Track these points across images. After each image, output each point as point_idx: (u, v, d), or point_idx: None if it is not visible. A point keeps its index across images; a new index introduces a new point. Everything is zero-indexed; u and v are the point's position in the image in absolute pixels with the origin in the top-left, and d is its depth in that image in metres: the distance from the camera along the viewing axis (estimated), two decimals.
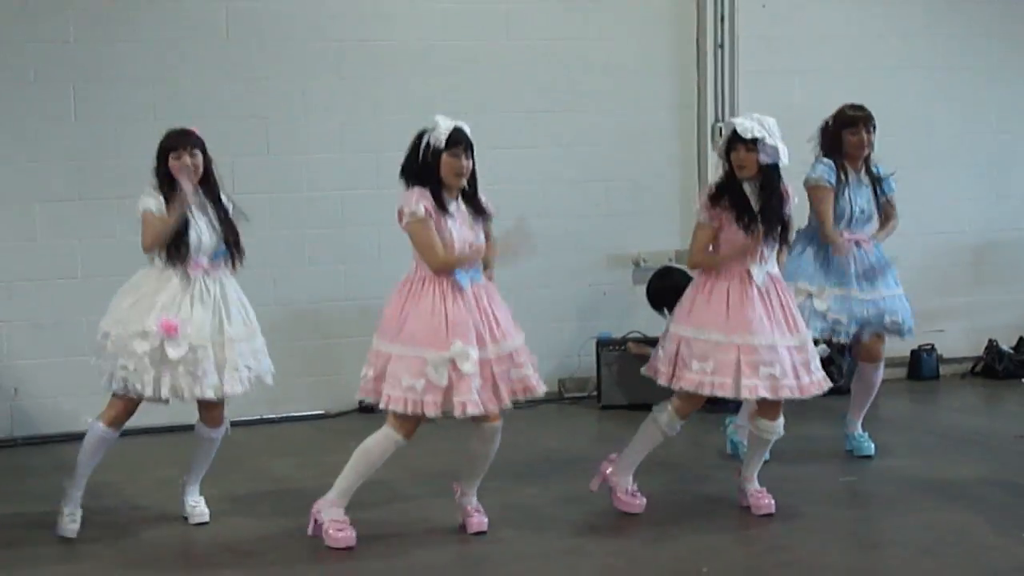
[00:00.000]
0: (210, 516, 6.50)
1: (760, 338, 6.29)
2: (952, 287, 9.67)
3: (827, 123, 7.38)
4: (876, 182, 7.38)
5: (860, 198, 7.31)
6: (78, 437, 8.00)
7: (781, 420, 6.52)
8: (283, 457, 7.90)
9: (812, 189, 7.28)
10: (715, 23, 9.44)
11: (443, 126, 6.02)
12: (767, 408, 6.46)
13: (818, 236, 7.33)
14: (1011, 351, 9.90)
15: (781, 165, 6.34)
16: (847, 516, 6.62)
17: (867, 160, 7.37)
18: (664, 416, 6.51)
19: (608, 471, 6.66)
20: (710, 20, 9.44)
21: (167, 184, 6.23)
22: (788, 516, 6.54)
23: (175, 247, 6.18)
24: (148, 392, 6.12)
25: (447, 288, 6.01)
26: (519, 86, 9.15)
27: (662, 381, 6.48)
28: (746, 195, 6.35)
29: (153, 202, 6.20)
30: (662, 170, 9.28)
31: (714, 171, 7.41)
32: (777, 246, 6.42)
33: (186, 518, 6.49)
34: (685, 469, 7.34)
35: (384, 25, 8.89)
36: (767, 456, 6.73)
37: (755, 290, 6.36)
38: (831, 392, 6.58)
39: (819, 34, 9.69)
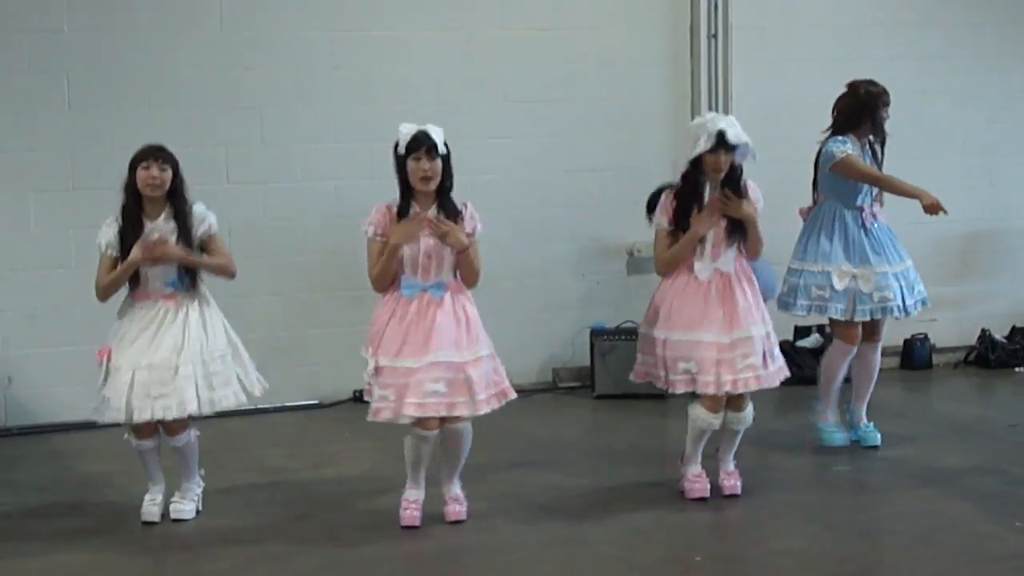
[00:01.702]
0: (205, 506, 6.51)
1: (679, 333, 6.43)
2: (945, 276, 9.68)
3: (847, 101, 7.36)
4: (877, 156, 7.40)
5: None
6: (72, 427, 8.09)
7: (750, 408, 6.57)
8: (277, 447, 7.89)
9: (843, 163, 7.22)
10: (709, 13, 9.43)
11: (403, 132, 6.10)
12: (734, 399, 6.50)
13: (837, 216, 7.33)
14: (1004, 340, 9.91)
15: (749, 163, 6.49)
16: (841, 505, 6.63)
17: (883, 135, 7.42)
18: (694, 413, 6.54)
19: (680, 466, 6.74)
20: (704, 10, 9.43)
21: (132, 200, 6.20)
22: (781, 505, 6.55)
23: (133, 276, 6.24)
24: (120, 418, 6.18)
25: (395, 297, 6.17)
26: (513, 76, 9.14)
27: (661, 385, 6.58)
28: (700, 192, 6.46)
29: (108, 236, 6.21)
30: (656, 160, 9.27)
31: None
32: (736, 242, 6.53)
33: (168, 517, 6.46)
34: (675, 458, 7.34)
35: (378, 15, 8.88)
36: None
37: (694, 284, 6.46)
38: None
39: (812, 23, 9.70)
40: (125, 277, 6.21)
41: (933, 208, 7.25)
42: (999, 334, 9.95)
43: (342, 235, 8.72)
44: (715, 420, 6.49)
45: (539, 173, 9.22)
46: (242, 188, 8.54)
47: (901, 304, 7.38)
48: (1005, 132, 10.19)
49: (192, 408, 6.19)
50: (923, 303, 7.56)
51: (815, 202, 7.50)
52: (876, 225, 7.40)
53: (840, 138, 7.30)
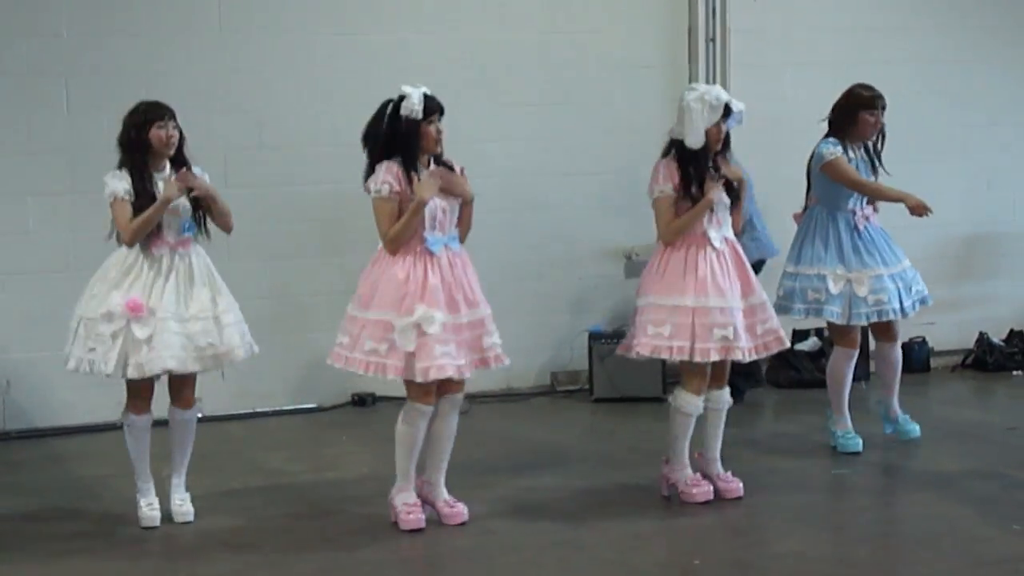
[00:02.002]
0: (203, 509, 6.49)
1: (714, 300, 6.40)
2: (943, 280, 9.68)
3: (839, 102, 7.38)
4: (874, 158, 7.40)
5: (864, 174, 7.33)
6: (71, 431, 8.09)
7: (727, 389, 6.60)
8: (276, 450, 7.89)
9: (831, 165, 7.24)
10: (707, 16, 9.44)
11: (415, 95, 6.07)
12: (716, 376, 6.53)
13: (829, 219, 7.34)
14: (1002, 344, 9.92)
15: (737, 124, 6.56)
16: (839, 508, 6.64)
17: (878, 140, 7.39)
18: (679, 400, 6.54)
19: (668, 474, 6.69)
20: (702, 13, 9.44)
21: (141, 156, 6.20)
22: (780, 508, 6.56)
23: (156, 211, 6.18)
24: (110, 371, 6.13)
25: (419, 254, 6.10)
26: (511, 79, 9.15)
27: (624, 352, 6.60)
28: (706, 163, 6.47)
29: (121, 185, 6.18)
30: (654, 163, 9.27)
31: None
32: (730, 208, 6.55)
33: (170, 516, 6.44)
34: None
35: (377, 18, 8.88)
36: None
37: (712, 253, 6.46)
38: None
39: (810, 27, 9.70)
40: (158, 215, 6.15)
41: (919, 209, 7.26)
42: (997, 337, 9.96)
43: (341, 238, 8.73)
44: (700, 403, 6.50)
45: (537, 176, 9.22)
46: (240, 191, 8.51)
47: (898, 307, 7.37)
48: (1003, 136, 10.19)
49: (241, 355, 6.33)
50: (923, 302, 7.56)
51: (807, 206, 7.50)
52: (869, 227, 7.39)
53: (832, 140, 7.31)
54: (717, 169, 6.49)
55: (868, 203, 7.44)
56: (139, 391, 6.29)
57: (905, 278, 7.44)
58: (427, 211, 6.08)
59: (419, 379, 6.02)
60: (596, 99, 9.33)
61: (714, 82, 9.42)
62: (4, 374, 8.30)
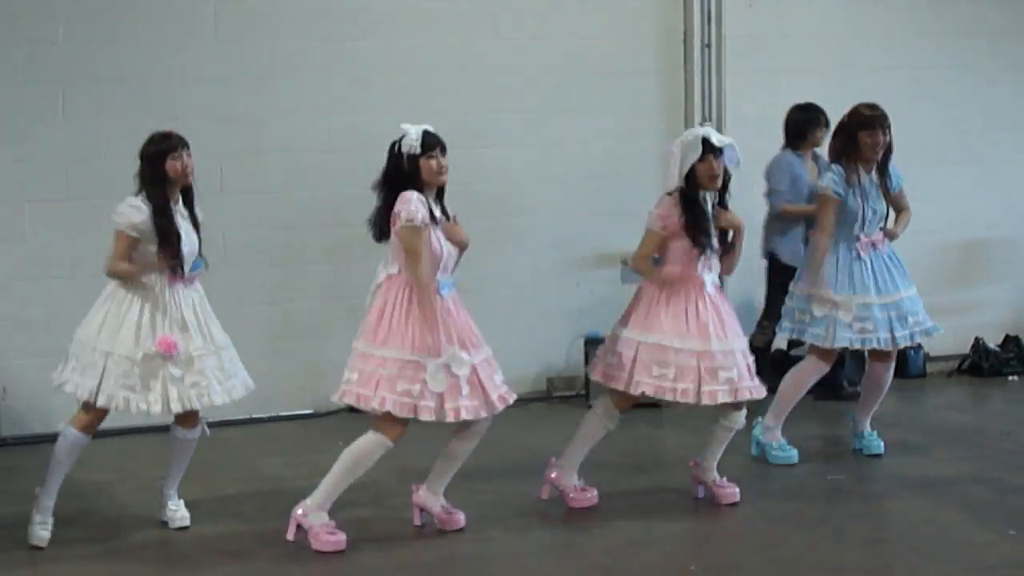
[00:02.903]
0: (199, 515, 6.50)
1: (716, 344, 6.46)
2: (939, 285, 9.69)
3: (841, 124, 7.27)
4: (885, 179, 7.28)
5: (872, 199, 7.22)
6: None
7: (744, 411, 6.65)
8: (271, 456, 7.90)
9: (819, 196, 7.26)
10: (702, 23, 9.46)
11: (412, 133, 6.07)
12: (730, 403, 6.55)
13: (831, 243, 7.25)
14: (997, 349, 9.93)
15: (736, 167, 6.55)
16: (835, 513, 6.64)
17: (885, 160, 7.24)
18: (607, 412, 6.69)
19: (553, 475, 6.75)
20: (697, 20, 9.46)
21: (160, 189, 6.13)
22: (775, 513, 6.57)
23: (174, 259, 6.13)
24: (157, 410, 6.11)
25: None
26: (507, 86, 9.16)
27: (619, 386, 6.57)
28: (703, 207, 6.47)
29: (138, 219, 6.10)
30: (649, 169, 9.29)
31: None
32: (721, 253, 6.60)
33: (166, 522, 6.46)
34: (671, 467, 7.36)
35: (373, 25, 8.90)
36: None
37: (707, 297, 6.51)
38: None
39: (805, 34, 9.72)
40: (141, 275, 6.13)
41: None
42: (992, 342, 9.97)
43: (336, 244, 8.74)
44: (743, 417, 6.66)
45: (532, 183, 9.23)
46: (236, 198, 8.54)
47: (887, 336, 7.26)
48: (998, 141, 10.21)
49: (249, 385, 6.41)
50: (925, 333, 7.47)
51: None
52: (874, 254, 7.29)
53: (834, 168, 7.20)
54: (716, 217, 6.51)
55: (880, 228, 7.33)
56: (99, 416, 6.22)
57: (900, 308, 7.31)
58: (445, 254, 6.09)
59: (449, 419, 6.03)
60: (592, 105, 9.34)
61: (709, 88, 9.46)
62: (1, 380, 8.30)
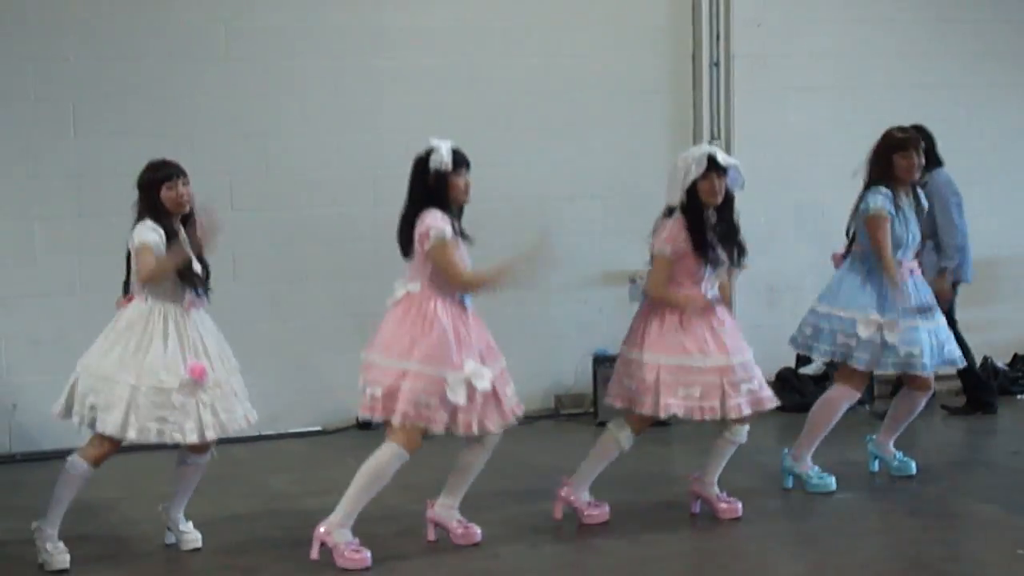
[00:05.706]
0: (207, 532, 6.49)
1: (736, 357, 6.50)
2: None
3: (874, 149, 7.13)
4: (920, 202, 7.21)
5: (912, 224, 7.11)
6: None
7: (747, 426, 6.67)
8: (280, 473, 7.91)
9: (872, 219, 6.99)
10: (711, 41, 9.48)
11: (444, 149, 6.08)
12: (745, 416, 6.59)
13: (871, 268, 7.08)
14: (1006, 368, 9.92)
15: (740, 190, 6.57)
16: (840, 533, 6.62)
17: (916, 183, 7.17)
18: (623, 433, 6.68)
19: (564, 493, 6.77)
20: (705, 38, 9.48)
21: (163, 216, 6.10)
22: (782, 532, 6.57)
23: (190, 280, 6.11)
24: (193, 439, 6.06)
25: (454, 309, 6.11)
26: (516, 104, 9.19)
27: (646, 411, 6.56)
28: (706, 224, 6.49)
29: (155, 237, 6.05)
30: (658, 187, 9.23)
31: None
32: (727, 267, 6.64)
33: (168, 545, 6.43)
34: (680, 485, 7.35)
35: (382, 43, 8.92)
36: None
37: (717, 312, 6.54)
38: None
39: (814, 53, 9.73)
40: (172, 266, 6.05)
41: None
42: (1001, 361, 9.96)
43: (346, 262, 8.76)
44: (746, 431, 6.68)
45: (541, 201, 9.24)
46: (246, 215, 8.56)
47: (928, 362, 7.10)
48: (1007, 160, 10.21)
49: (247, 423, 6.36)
50: (952, 363, 7.34)
51: (849, 249, 7.26)
52: (913, 281, 7.16)
53: (883, 190, 7.04)
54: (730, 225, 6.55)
55: (915, 256, 7.23)
56: (112, 448, 6.16)
57: (939, 336, 7.19)
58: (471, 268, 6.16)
59: (466, 431, 6.07)
60: (600, 124, 9.37)
61: (718, 106, 9.46)
62: (11, 397, 8.32)
